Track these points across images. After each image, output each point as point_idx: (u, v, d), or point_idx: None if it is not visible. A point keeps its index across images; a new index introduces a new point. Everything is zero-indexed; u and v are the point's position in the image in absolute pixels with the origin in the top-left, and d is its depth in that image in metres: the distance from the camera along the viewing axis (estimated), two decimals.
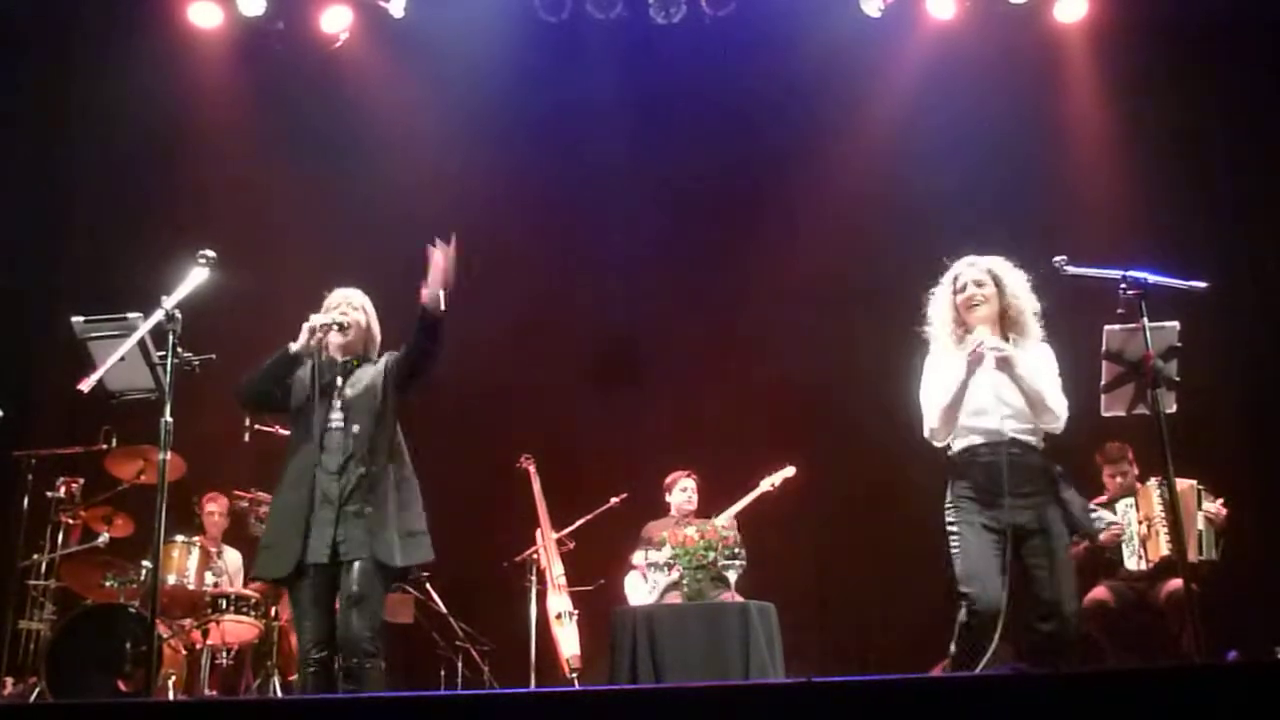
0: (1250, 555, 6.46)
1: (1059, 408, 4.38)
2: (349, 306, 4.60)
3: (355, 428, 4.39)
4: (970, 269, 4.50)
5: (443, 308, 4.35)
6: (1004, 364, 4.35)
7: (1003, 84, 7.93)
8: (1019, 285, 4.48)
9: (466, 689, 6.79)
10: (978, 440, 4.38)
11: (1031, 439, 4.39)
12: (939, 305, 4.57)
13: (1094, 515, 4.44)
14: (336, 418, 4.44)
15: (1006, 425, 4.33)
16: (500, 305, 8.18)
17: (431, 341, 4.43)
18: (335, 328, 4.53)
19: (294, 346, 4.47)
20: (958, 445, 4.45)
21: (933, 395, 4.47)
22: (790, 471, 7.09)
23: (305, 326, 4.48)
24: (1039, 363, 4.44)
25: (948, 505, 4.43)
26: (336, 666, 4.29)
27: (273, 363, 4.48)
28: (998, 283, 4.46)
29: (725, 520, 6.83)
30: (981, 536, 4.29)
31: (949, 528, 4.39)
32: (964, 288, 4.47)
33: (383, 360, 4.60)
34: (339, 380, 4.52)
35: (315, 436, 4.41)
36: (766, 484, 7.06)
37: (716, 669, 5.65)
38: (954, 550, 4.35)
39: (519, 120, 8.19)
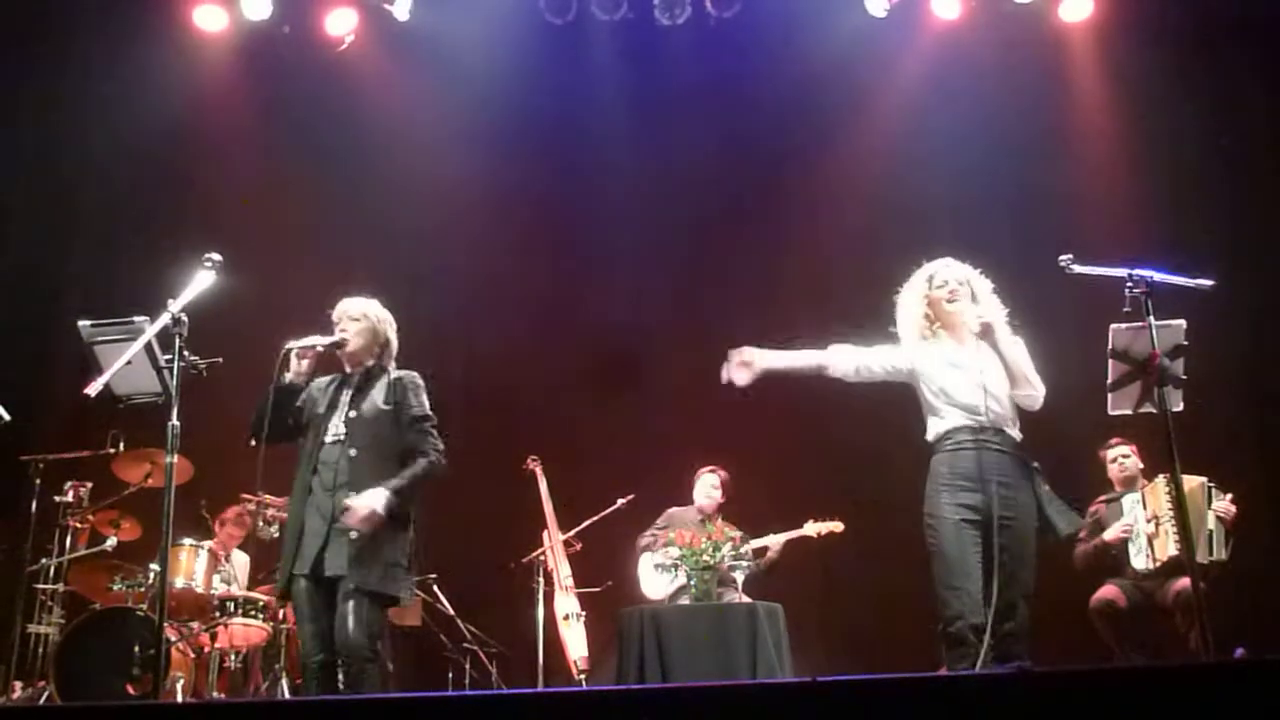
0: (1259, 553, 6.43)
1: (1038, 382, 4.50)
2: (347, 320, 4.57)
3: (353, 451, 4.38)
4: (947, 269, 4.62)
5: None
6: (987, 330, 4.47)
7: (1007, 83, 7.92)
8: (989, 291, 4.63)
9: (474, 690, 6.79)
10: (961, 427, 4.41)
11: (1011, 430, 4.43)
12: (910, 302, 4.66)
13: (1062, 508, 4.43)
14: (336, 434, 4.43)
15: (991, 414, 4.38)
16: (506, 307, 8.21)
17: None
18: (325, 347, 4.51)
19: (287, 377, 4.47)
20: (940, 430, 4.47)
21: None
22: (838, 527, 6.83)
23: (287, 354, 4.47)
24: (1017, 349, 4.54)
25: (928, 494, 4.43)
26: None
27: (265, 400, 4.41)
28: (972, 288, 4.59)
29: (756, 546, 6.76)
30: (961, 532, 4.28)
31: (927, 519, 4.39)
32: (944, 284, 4.57)
33: (398, 387, 4.53)
34: (345, 395, 4.51)
35: (311, 450, 4.44)
36: (811, 529, 6.85)
37: (724, 670, 5.62)
38: (931, 545, 4.35)
39: (524, 121, 8.20)
